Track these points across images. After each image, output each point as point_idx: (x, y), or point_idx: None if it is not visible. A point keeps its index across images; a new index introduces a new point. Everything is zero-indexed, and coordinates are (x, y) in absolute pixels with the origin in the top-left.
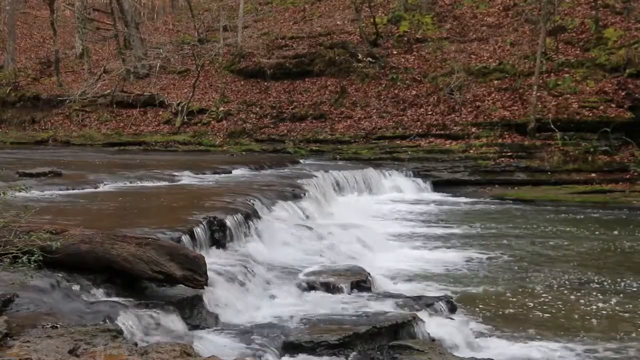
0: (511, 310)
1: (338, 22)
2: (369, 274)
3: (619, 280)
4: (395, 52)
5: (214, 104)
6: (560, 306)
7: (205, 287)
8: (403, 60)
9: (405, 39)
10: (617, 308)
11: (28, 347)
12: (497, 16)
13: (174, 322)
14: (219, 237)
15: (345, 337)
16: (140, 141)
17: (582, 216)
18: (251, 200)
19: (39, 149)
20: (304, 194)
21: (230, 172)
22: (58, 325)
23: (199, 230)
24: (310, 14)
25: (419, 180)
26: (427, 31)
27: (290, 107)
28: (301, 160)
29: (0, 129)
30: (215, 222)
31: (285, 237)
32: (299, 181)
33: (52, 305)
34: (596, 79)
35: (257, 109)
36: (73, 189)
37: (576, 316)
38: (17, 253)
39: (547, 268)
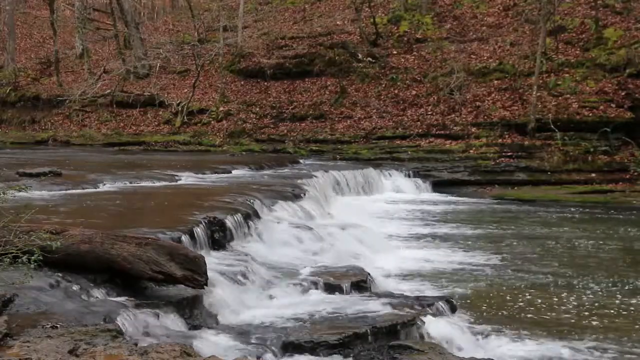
0: (511, 310)
1: (338, 22)
2: (369, 274)
3: (620, 279)
4: (395, 52)
5: (214, 104)
6: (562, 306)
7: (205, 287)
8: (403, 60)
9: (405, 39)
10: (619, 307)
11: (28, 347)
12: (497, 16)
13: (174, 322)
14: (219, 237)
15: (345, 337)
16: (140, 141)
17: (582, 216)
18: (251, 200)
19: (39, 149)
20: (304, 194)
21: (230, 172)
22: (58, 325)
23: (198, 230)
24: (310, 14)
25: (419, 181)
26: (427, 31)
27: (290, 107)
28: (301, 160)
29: (0, 129)
30: (215, 222)
31: (285, 237)
32: (299, 181)
33: (52, 305)
34: (596, 79)
35: (257, 109)
36: (73, 189)
37: (578, 315)
38: (17, 253)
39: (547, 268)
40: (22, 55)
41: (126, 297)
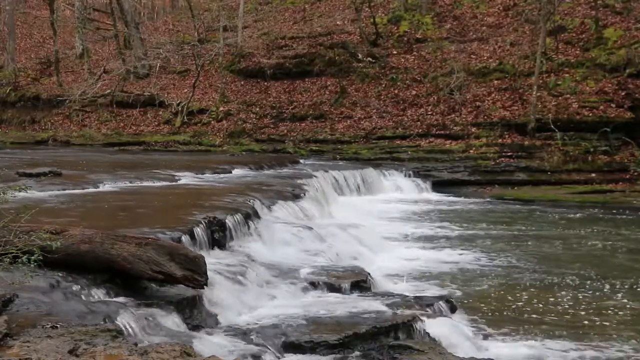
0: (511, 310)
1: (338, 22)
2: (369, 273)
3: (622, 279)
4: (395, 52)
5: (214, 104)
6: (562, 306)
7: (205, 287)
8: (403, 60)
9: (405, 39)
10: (621, 307)
11: (28, 347)
12: (497, 16)
13: (174, 322)
14: (219, 237)
15: (345, 337)
16: (140, 141)
17: (582, 216)
18: (251, 200)
19: (39, 149)
20: (304, 194)
21: (230, 172)
22: (58, 325)
23: (199, 230)
24: (310, 14)
25: (419, 180)
26: (427, 31)
27: (290, 107)
28: (301, 160)
29: (0, 129)
30: (215, 222)
31: (285, 237)
32: (299, 181)
33: (52, 305)
34: (596, 79)
35: (257, 109)
36: (73, 189)
37: (579, 315)
38: (17, 253)
39: (547, 268)
40: (22, 55)
41: (126, 297)
